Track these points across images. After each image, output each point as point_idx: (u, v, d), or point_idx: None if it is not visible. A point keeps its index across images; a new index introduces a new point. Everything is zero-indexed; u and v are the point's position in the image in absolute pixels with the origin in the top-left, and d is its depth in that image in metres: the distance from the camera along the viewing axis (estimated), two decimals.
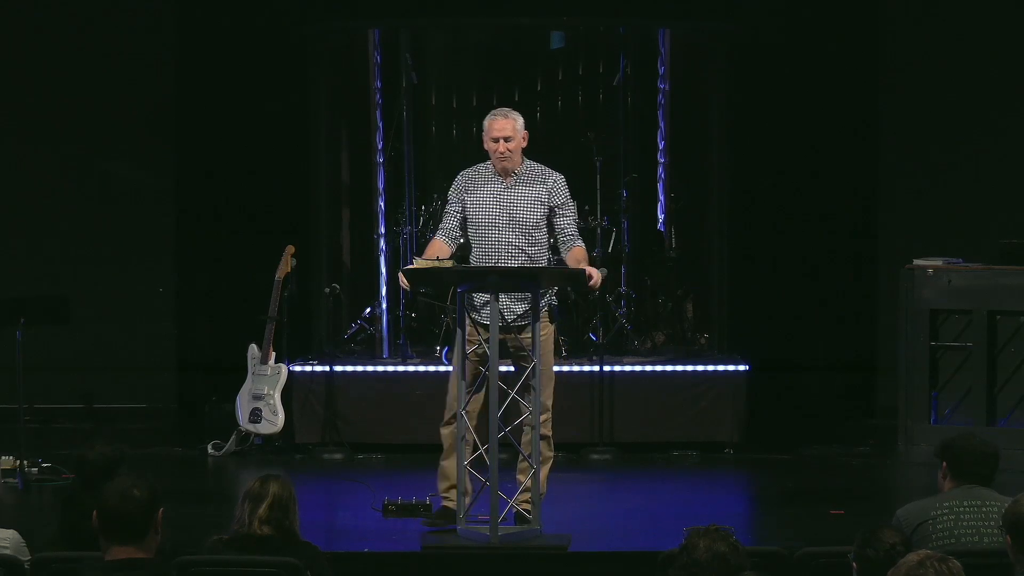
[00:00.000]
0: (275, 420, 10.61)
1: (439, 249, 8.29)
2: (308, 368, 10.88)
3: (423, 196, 11.74)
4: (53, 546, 6.32)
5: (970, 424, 10.38)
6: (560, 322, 11.13)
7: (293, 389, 10.79)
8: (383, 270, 11.49)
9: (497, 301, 7.91)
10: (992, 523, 5.99)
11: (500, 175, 8.24)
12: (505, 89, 12.55)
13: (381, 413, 10.79)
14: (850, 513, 8.73)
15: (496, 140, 8.20)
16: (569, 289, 11.26)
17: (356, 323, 11.61)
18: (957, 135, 12.00)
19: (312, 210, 11.81)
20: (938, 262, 10.66)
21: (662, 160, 12.18)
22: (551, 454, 8.27)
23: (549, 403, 8.18)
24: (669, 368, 10.95)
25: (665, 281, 11.92)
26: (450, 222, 8.35)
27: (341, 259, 12.11)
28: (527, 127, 8.36)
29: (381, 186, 11.58)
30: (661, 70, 12.13)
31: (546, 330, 8.17)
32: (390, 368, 10.92)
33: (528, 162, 8.29)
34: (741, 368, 10.89)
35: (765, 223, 11.90)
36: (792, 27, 11.75)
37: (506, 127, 8.21)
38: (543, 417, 8.09)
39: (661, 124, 12.14)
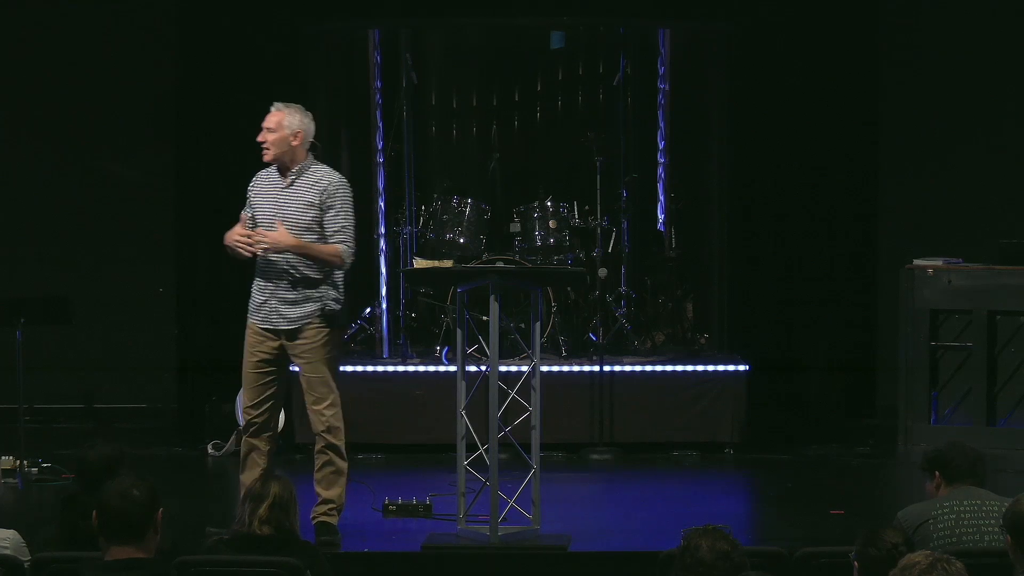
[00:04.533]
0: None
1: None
2: None
3: (423, 196, 11.75)
4: (53, 546, 6.31)
5: (969, 424, 10.40)
6: (559, 322, 11.17)
7: (293, 389, 10.77)
8: (383, 270, 11.49)
9: (498, 302, 7.90)
10: (993, 521, 6.00)
11: (279, 174, 7.99)
12: (505, 89, 12.56)
13: (381, 413, 10.78)
14: (850, 513, 8.74)
15: (262, 130, 7.98)
16: (569, 289, 11.29)
17: (356, 323, 11.61)
18: (957, 135, 12.00)
19: None
20: (938, 262, 10.67)
21: (662, 160, 12.19)
22: (344, 464, 8.02)
23: (329, 413, 7.95)
24: (669, 368, 10.95)
25: (665, 281, 11.92)
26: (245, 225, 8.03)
27: None
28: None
29: (381, 186, 11.59)
30: (661, 70, 12.14)
31: (319, 336, 7.91)
32: (390, 368, 10.93)
33: (312, 164, 8.02)
34: (741, 368, 10.89)
35: (765, 223, 11.89)
36: (792, 27, 11.75)
37: (271, 119, 7.97)
38: (323, 425, 7.94)
39: (661, 124, 12.15)
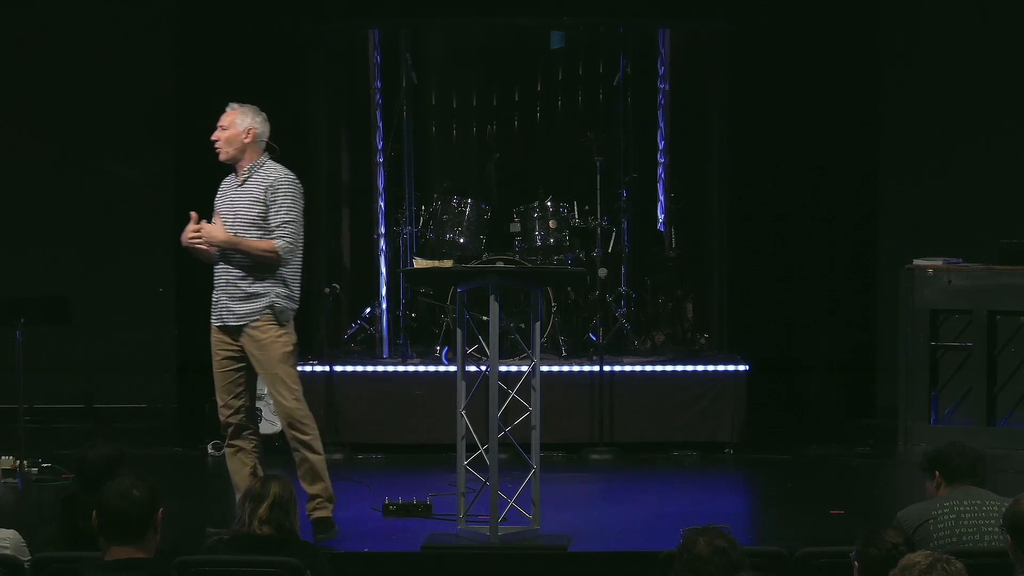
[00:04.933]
0: (275, 420, 10.61)
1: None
2: (308, 368, 10.87)
3: (423, 196, 11.75)
4: (53, 546, 6.31)
5: (969, 424, 10.39)
6: (559, 322, 11.17)
7: None
8: (383, 270, 11.50)
9: (498, 302, 7.90)
10: (992, 521, 6.00)
11: (236, 175, 8.07)
12: (505, 89, 12.56)
13: (381, 413, 10.79)
14: (850, 513, 8.74)
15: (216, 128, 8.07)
16: (569, 289, 11.29)
17: (356, 323, 11.62)
18: (957, 135, 12.00)
19: (312, 210, 11.79)
20: (938, 262, 10.66)
21: (662, 160, 12.19)
22: (316, 457, 7.99)
23: (291, 406, 7.93)
24: (669, 368, 10.95)
25: (665, 281, 11.92)
26: None
27: (341, 259, 12.12)
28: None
29: (381, 186, 11.59)
30: (661, 70, 12.14)
31: (268, 332, 7.90)
32: (390, 368, 10.93)
33: (267, 163, 8.02)
34: (741, 368, 10.89)
35: (765, 223, 11.90)
36: (792, 27, 11.75)
37: (225, 118, 8.04)
38: (286, 421, 7.96)
39: (661, 124, 12.15)
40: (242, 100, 11.58)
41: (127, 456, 6.75)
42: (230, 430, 8.07)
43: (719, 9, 11.74)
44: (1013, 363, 10.41)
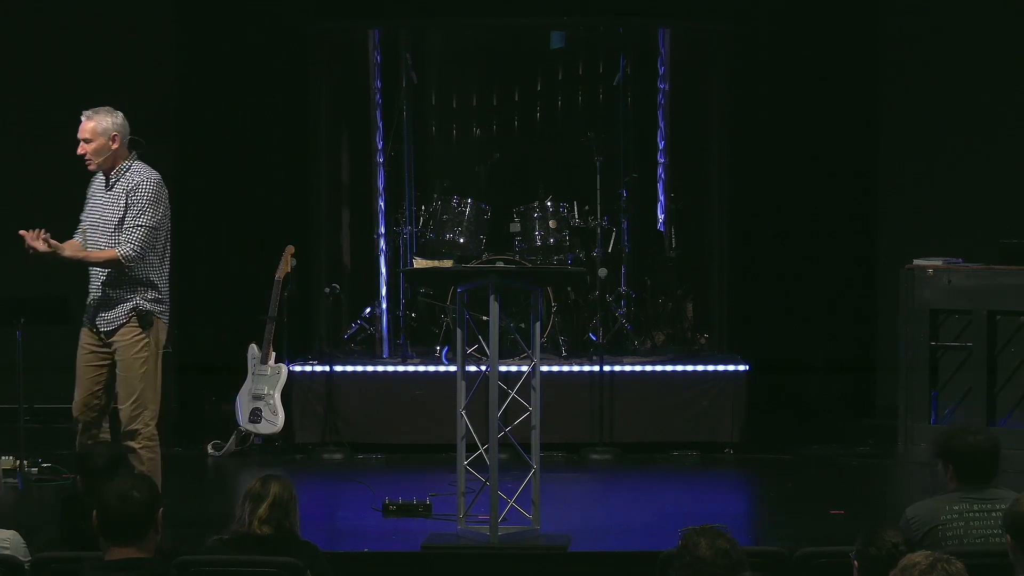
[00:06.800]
0: (275, 420, 10.62)
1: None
2: (308, 368, 10.88)
3: (423, 196, 11.75)
4: (53, 546, 6.31)
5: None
6: (559, 322, 11.17)
7: (293, 389, 10.79)
8: (383, 270, 11.49)
9: (498, 302, 7.90)
10: (1000, 532, 5.95)
11: (104, 178, 8.02)
12: (505, 89, 12.56)
13: (381, 413, 10.79)
14: (850, 513, 8.74)
15: (79, 142, 7.99)
16: (569, 289, 11.29)
17: (356, 323, 11.62)
18: (957, 135, 12.00)
19: (312, 210, 11.82)
20: (938, 262, 10.65)
21: (662, 160, 12.18)
22: (140, 468, 7.72)
23: (131, 413, 7.86)
24: (669, 368, 10.95)
25: (665, 281, 11.92)
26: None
27: (341, 259, 12.12)
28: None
29: (381, 186, 11.59)
30: (661, 70, 12.13)
31: (129, 336, 7.90)
32: (390, 368, 10.93)
33: (134, 164, 8.00)
34: (741, 368, 10.88)
35: (765, 223, 11.90)
36: (792, 27, 11.75)
37: (85, 129, 7.98)
38: (125, 427, 7.87)
39: (661, 124, 12.14)
40: (242, 100, 11.61)
41: (127, 456, 6.75)
42: (80, 426, 8.00)
43: (719, 9, 11.74)
44: (1013, 363, 10.40)
